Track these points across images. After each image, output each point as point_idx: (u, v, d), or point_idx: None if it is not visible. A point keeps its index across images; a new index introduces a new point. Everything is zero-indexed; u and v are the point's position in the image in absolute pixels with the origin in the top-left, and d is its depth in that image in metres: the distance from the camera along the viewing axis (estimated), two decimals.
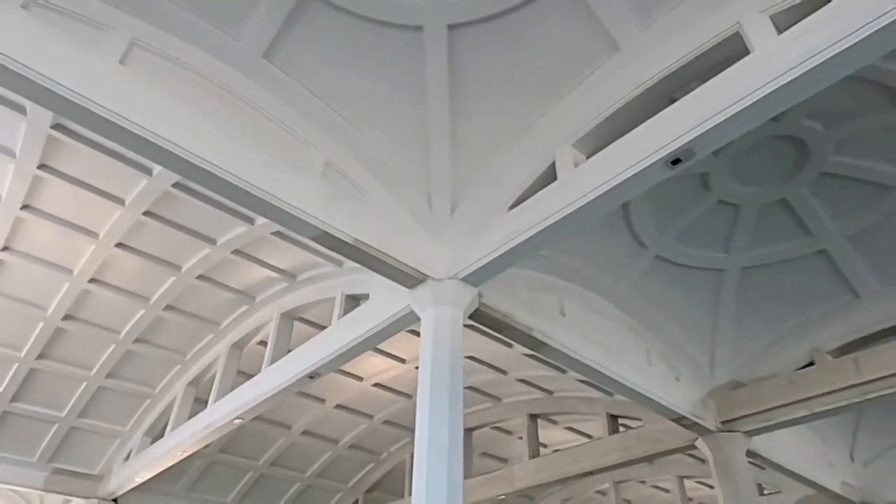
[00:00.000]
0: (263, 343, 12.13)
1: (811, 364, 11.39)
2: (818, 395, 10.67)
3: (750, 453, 11.81)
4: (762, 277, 11.16)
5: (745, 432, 11.44)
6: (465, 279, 7.43)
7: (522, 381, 14.43)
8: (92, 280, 11.14)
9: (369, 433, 17.07)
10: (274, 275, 11.35)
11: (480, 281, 7.58)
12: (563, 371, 12.58)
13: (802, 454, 13.89)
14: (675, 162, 5.81)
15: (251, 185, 6.20)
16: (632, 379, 10.15)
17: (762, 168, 9.45)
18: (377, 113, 7.83)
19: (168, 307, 12.02)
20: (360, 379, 14.65)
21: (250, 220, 10.02)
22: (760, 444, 12.07)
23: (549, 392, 14.91)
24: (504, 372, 14.09)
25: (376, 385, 14.86)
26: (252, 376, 11.29)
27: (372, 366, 14.11)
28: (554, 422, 16.45)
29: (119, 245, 10.45)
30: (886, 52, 4.77)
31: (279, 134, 7.24)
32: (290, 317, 11.74)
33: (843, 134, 8.83)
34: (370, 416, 16.35)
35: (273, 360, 10.82)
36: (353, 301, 9.79)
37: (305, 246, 10.24)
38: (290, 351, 10.89)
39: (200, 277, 11.36)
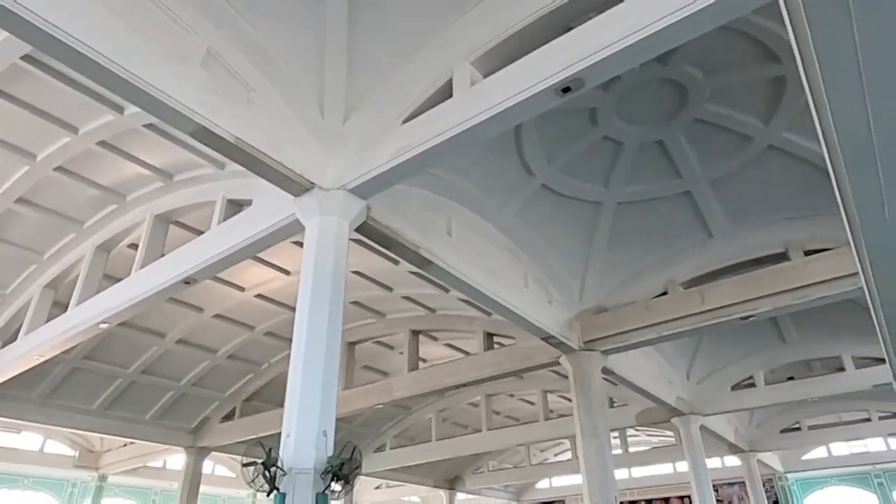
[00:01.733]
0: (134, 246, 11.35)
1: (665, 293, 12.69)
2: (667, 321, 11.98)
3: (605, 370, 13.17)
4: (634, 213, 12.05)
5: (603, 351, 12.67)
6: (354, 191, 7.33)
7: (407, 298, 14.80)
8: None
9: (250, 344, 16.87)
10: (147, 172, 10.48)
11: (369, 194, 7.52)
12: (446, 290, 13.03)
13: (648, 373, 15.72)
14: (566, 90, 5.97)
15: (119, 67, 5.53)
16: (509, 300, 10.76)
17: (645, 109, 9.99)
18: (271, 7, 7.22)
19: (21, 200, 10.79)
20: (242, 289, 14.26)
21: (119, 109, 9.05)
22: (614, 362, 13.47)
23: (432, 310, 15.46)
24: (389, 289, 14.34)
25: (259, 296, 14.56)
26: (120, 280, 10.62)
27: (254, 276, 13.76)
28: (434, 338, 17.18)
29: None
30: None
31: (156, 14, 6.46)
32: (164, 219, 11.01)
33: (719, 83, 9.49)
34: (251, 328, 16.11)
35: (145, 264, 10.21)
36: (235, 206, 9.35)
37: (183, 143, 9.47)
38: (163, 255, 10.31)
39: (60, 170, 10.23)
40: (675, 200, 11.85)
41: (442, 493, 29.73)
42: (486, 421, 21.32)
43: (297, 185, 7.20)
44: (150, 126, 9.19)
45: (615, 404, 18.85)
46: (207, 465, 22.14)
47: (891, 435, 22.60)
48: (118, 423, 17.92)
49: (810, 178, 10.21)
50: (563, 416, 19.85)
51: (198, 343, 16.34)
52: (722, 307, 11.47)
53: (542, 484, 34.60)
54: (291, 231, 8.03)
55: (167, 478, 25.70)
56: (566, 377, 13.15)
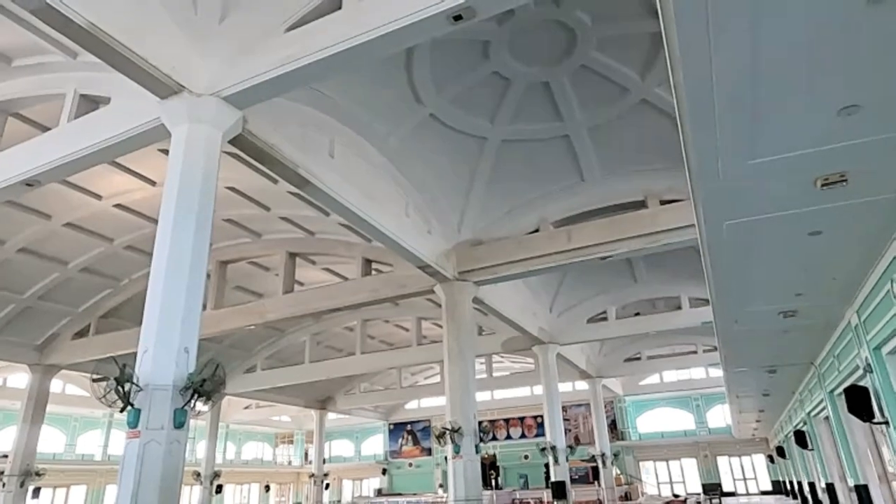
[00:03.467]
0: None
1: (537, 231, 13.44)
2: (537, 257, 12.77)
3: (476, 300, 13.88)
4: (515, 152, 12.44)
5: (476, 282, 13.30)
6: (229, 99, 6.83)
7: (285, 219, 14.36)
8: None
9: (107, 257, 15.59)
10: None
11: (246, 104, 7.05)
12: (327, 214, 12.79)
13: (515, 304, 16.81)
14: (457, 18, 5.90)
15: None
16: (390, 227, 10.82)
17: (536, 48, 10.15)
18: None
19: None
20: (99, 197, 12.99)
21: None
22: (485, 293, 14.21)
23: (311, 233, 15.17)
24: (266, 208, 13.80)
25: (119, 206, 13.35)
26: None
27: (114, 184, 12.56)
28: (312, 262, 16.96)
29: None
30: None
31: None
32: (2, 111, 9.61)
33: (606, 33, 9.82)
34: (109, 240, 14.83)
35: None
36: (90, 103, 8.35)
37: (25, 22, 8.16)
38: None
39: None
40: (555, 143, 12.37)
41: (313, 413, 30.35)
42: (360, 345, 21.79)
43: (163, 86, 6.56)
44: None
45: (483, 332, 20.04)
46: (57, 384, 20.69)
47: (710, 365, 26.29)
48: None
49: (672, 134, 10.97)
50: (434, 342, 20.77)
51: (44, 253, 14.81)
52: (586, 247, 12.43)
53: (411, 405, 36.44)
54: (156, 137, 7.38)
55: (8, 396, 23.72)
56: (440, 305, 13.70)
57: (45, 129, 9.35)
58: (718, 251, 5.04)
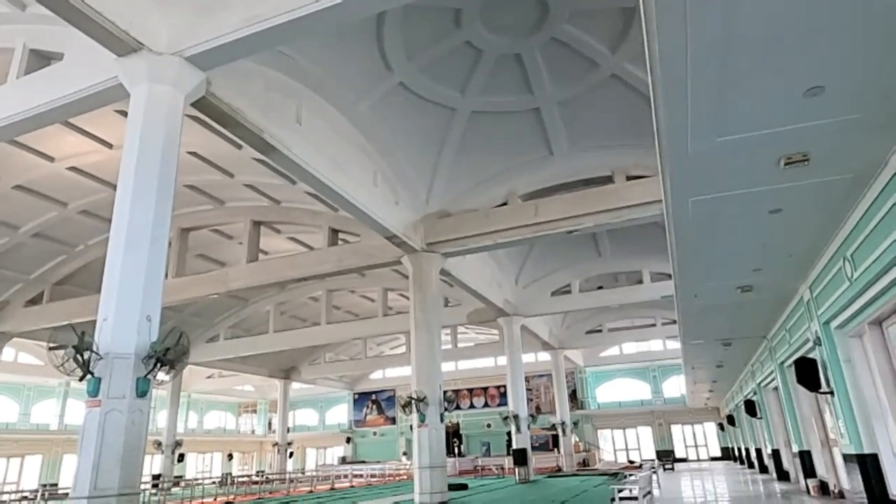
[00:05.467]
0: None
1: (505, 204, 13.49)
2: (504, 230, 12.83)
3: (443, 272, 13.92)
4: (485, 124, 12.37)
5: (443, 254, 13.32)
6: (191, 59, 6.55)
7: (249, 186, 14.03)
8: None
9: (61, 222, 15.01)
10: None
11: (210, 65, 6.78)
12: (293, 182, 12.54)
13: (481, 276, 16.93)
14: None
15: None
16: (357, 197, 10.69)
17: (508, 19, 10.01)
18: None
19: None
20: (52, 159, 12.42)
21: None
22: (452, 265, 14.26)
23: (277, 201, 14.89)
24: (230, 174, 13.45)
25: (73, 169, 12.81)
26: None
27: (68, 146, 12.02)
28: (277, 231, 16.68)
29: None
30: None
31: None
32: None
33: (578, 5, 9.77)
34: (63, 204, 14.25)
35: None
36: (41, 59, 7.91)
37: None
38: None
39: None
40: (524, 116, 12.34)
41: (277, 383, 30.24)
42: (325, 315, 21.70)
43: (120, 43, 6.25)
44: None
45: (449, 304, 20.19)
46: (8, 353, 20.02)
47: (668, 338, 27.14)
48: None
49: (641, 110, 11.13)
50: (400, 312, 20.83)
51: None
52: (552, 220, 12.55)
53: (376, 375, 36.67)
54: (113, 97, 7.06)
55: None
56: (406, 276, 13.69)
57: None
58: (683, 227, 5.15)
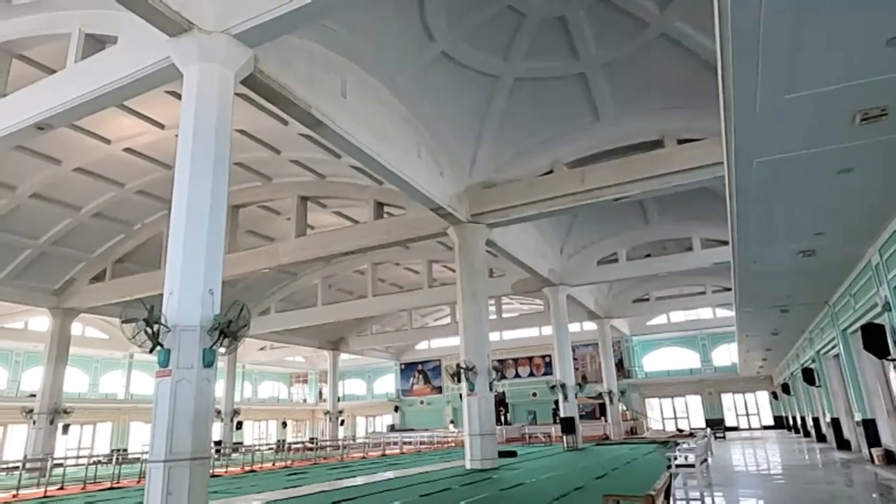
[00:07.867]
0: None
1: (550, 172, 13.28)
2: (550, 199, 12.65)
3: (488, 242, 13.88)
4: (529, 91, 12.11)
5: (489, 224, 13.26)
6: (239, 37, 6.62)
7: (295, 162, 14.22)
8: None
9: (119, 202, 15.61)
10: None
11: (257, 42, 6.84)
12: (338, 156, 12.65)
13: (526, 246, 16.81)
14: None
15: None
16: (402, 169, 10.70)
17: None
18: None
19: None
20: (108, 141, 12.87)
21: None
22: (497, 235, 14.19)
23: (322, 176, 15.06)
24: (277, 151, 13.65)
25: (128, 150, 13.25)
26: None
27: (122, 127, 12.41)
28: (323, 205, 16.92)
29: None
30: None
31: None
32: (6, 52, 9.40)
33: None
34: (120, 185, 14.80)
35: None
36: (96, 43, 8.13)
37: None
38: (5, 95, 8.93)
39: None
40: (569, 81, 12.02)
41: (326, 354, 31.06)
42: (371, 287, 22.03)
43: (172, 24, 6.36)
44: None
45: (494, 274, 20.16)
46: (76, 328, 21.14)
47: (719, 306, 26.45)
48: None
49: (692, 71, 10.72)
50: (445, 284, 20.94)
51: (57, 199, 14.83)
52: (598, 188, 12.28)
53: (422, 346, 37.19)
54: (166, 77, 7.22)
55: (30, 339, 24.32)
56: (451, 248, 13.71)
57: (52, 71, 9.17)
58: (746, 190, 4.96)
